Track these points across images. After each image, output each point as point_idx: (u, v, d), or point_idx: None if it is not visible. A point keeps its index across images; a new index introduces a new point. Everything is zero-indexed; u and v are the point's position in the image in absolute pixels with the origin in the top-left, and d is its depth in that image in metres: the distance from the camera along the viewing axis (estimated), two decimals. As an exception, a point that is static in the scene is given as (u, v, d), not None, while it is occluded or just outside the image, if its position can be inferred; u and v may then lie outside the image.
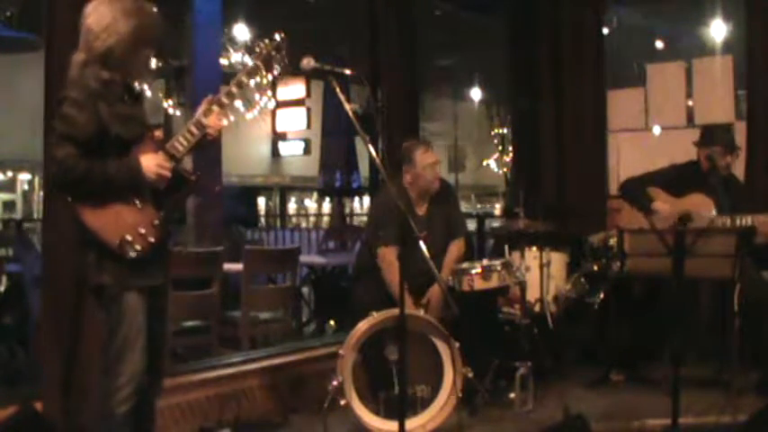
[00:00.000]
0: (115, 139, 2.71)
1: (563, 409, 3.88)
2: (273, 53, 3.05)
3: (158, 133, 2.90)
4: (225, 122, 2.97)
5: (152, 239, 2.74)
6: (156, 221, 2.77)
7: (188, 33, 7.60)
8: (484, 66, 14.72)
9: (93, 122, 2.66)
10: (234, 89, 2.96)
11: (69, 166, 2.62)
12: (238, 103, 11.53)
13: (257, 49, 3.07)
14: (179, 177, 2.84)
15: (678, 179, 4.81)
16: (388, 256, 4.23)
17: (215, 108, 2.91)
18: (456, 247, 4.52)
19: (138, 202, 2.74)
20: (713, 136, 4.82)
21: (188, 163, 3.06)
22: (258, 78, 3.12)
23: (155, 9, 2.85)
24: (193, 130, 2.86)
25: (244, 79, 3.00)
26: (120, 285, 2.72)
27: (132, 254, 2.69)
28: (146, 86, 9.98)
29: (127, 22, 2.71)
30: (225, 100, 2.94)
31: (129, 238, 2.69)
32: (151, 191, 2.77)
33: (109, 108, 2.70)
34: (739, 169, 5.47)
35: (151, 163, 2.74)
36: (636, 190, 4.85)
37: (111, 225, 2.68)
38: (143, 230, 2.72)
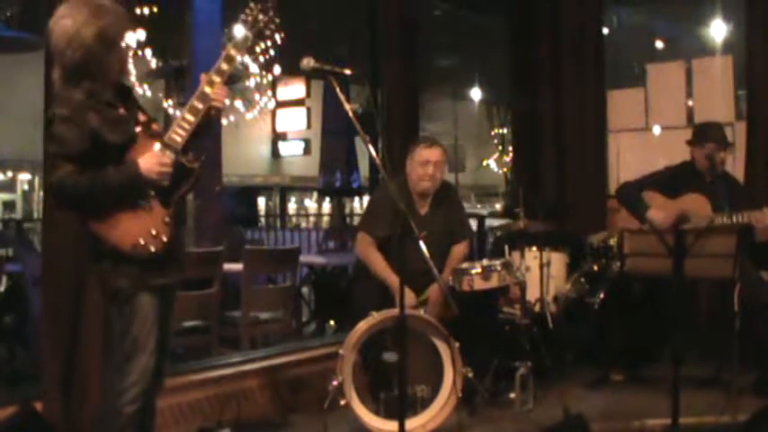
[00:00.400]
0: (110, 144, 2.68)
1: (563, 409, 3.88)
2: (261, 16, 2.98)
3: (155, 126, 2.83)
4: (226, 95, 2.89)
5: (165, 238, 2.71)
6: (167, 219, 2.74)
7: (188, 33, 7.61)
8: (484, 66, 14.74)
9: (85, 136, 2.62)
10: (224, 66, 2.88)
11: (70, 185, 2.59)
12: (238, 103, 11.53)
13: (243, 17, 2.97)
14: (181, 169, 2.78)
15: (673, 180, 4.80)
16: (362, 242, 4.30)
17: (207, 89, 2.83)
18: (458, 250, 4.49)
19: (144, 204, 2.72)
20: (707, 133, 4.82)
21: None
22: (247, 46, 3.01)
23: (112, 2, 2.76)
24: (188, 117, 2.78)
25: (233, 52, 2.90)
26: (137, 286, 2.71)
27: (147, 255, 2.68)
28: (142, 85, 9.97)
29: (90, 29, 2.64)
30: (216, 78, 2.84)
31: (141, 241, 2.67)
32: (156, 189, 2.73)
33: (98, 115, 2.66)
34: (739, 169, 5.48)
35: (151, 162, 2.69)
36: (631, 196, 4.84)
37: (123, 231, 2.66)
38: (155, 231, 2.70)
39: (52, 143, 2.65)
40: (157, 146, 2.74)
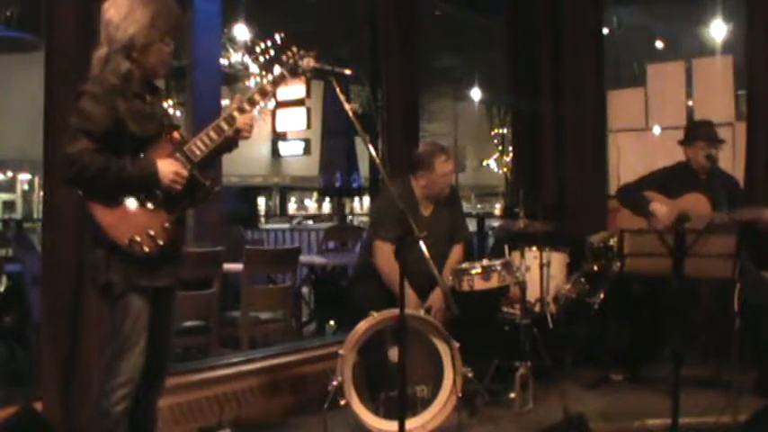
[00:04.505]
0: (130, 136, 2.70)
1: (563, 409, 3.88)
2: (300, 62, 3.03)
3: (177, 134, 2.85)
4: (253, 124, 2.94)
5: (161, 242, 2.72)
6: (167, 224, 2.75)
7: (188, 33, 7.61)
8: (484, 66, 14.75)
9: (110, 117, 2.66)
10: (257, 96, 2.92)
11: (85, 162, 2.61)
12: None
13: (284, 58, 3.04)
14: (194, 182, 2.80)
15: (670, 181, 4.83)
16: (384, 252, 4.22)
17: (236, 114, 2.89)
18: (457, 252, 4.51)
19: (150, 204, 2.73)
20: (695, 131, 4.87)
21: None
22: (283, 82, 3.07)
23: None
24: (212, 135, 2.83)
25: (268, 88, 2.97)
26: (127, 284, 2.71)
27: (140, 254, 2.68)
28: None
29: (144, 10, 2.74)
30: (246, 106, 2.90)
31: (138, 238, 2.68)
32: (165, 194, 2.75)
33: (126, 104, 2.70)
34: (739, 169, 5.48)
35: (168, 169, 2.72)
36: (632, 196, 4.86)
37: (122, 224, 2.68)
38: (152, 232, 2.71)
39: (76, 117, 2.66)
40: (176, 154, 2.77)
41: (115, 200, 2.68)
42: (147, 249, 2.69)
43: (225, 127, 2.86)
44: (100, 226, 2.67)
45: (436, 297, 4.19)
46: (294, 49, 3.05)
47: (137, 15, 2.73)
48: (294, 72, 3.02)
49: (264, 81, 3.00)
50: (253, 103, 2.92)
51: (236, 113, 2.88)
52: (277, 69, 3.04)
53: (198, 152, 2.81)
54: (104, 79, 2.70)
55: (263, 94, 2.95)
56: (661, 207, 4.66)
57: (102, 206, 2.68)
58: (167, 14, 2.81)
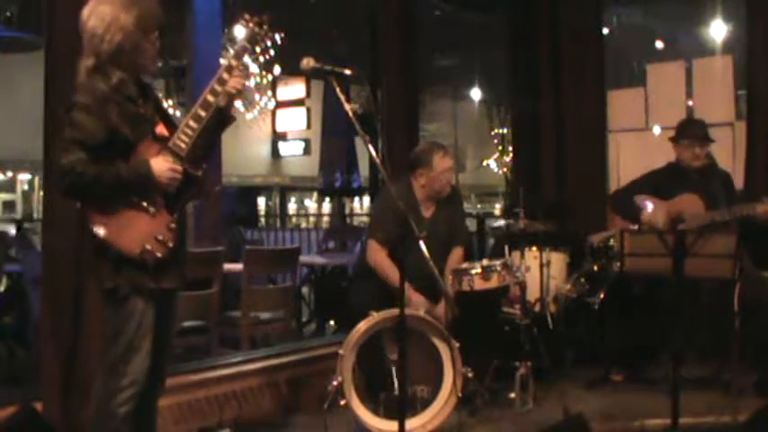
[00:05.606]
0: (124, 140, 2.68)
1: (563, 409, 3.88)
2: (257, 29, 3.00)
3: (160, 129, 2.82)
4: (240, 85, 2.92)
5: (171, 244, 2.72)
6: (173, 225, 2.75)
7: (188, 33, 7.61)
8: (484, 66, 14.72)
9: (103, 127, 2.63)
10: (225, 75, 2.88)
11: (78, 171, 2.59)
12: (238, 103, 11.53)
13: (244, 23, 3.02)
14: (187, 176, 2.79)
15: (661, 182, 4.84)
16: (374, 252, 4.23)
17: (210, 98, 2.84)
18: (457, 254, 4.48)
19: (151, 208, 2.72)
20: (682, 130, 4.89)
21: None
22: (246, 54, 3.03)
23: None
24: (192, 124, 2.79)
25: (233, 62, 2.92)
26: (133, 288, 2.70)
27: (154, 261, 2.69)
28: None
29: (128, 14, 2.68)
30: (218, 87, 2.86)
31: (149, 247, 2.68)
32: (164, 195, 2.74)
33: (119, 109, 2.68)
34: (739, 169, 5.49)
35: (163, 167, 2.70)
36: (624, 202, 4.86)
37: (130, 237, 2.67)
38: (161, 237, 2.71)
39: (69, 128, 2.64)
40: (164, 151, 2.75)
41: (117, 212, 2.66)
42: (159, 255, 2.70)
43: (202, 113, 2.81)
44: (109, 246, 2.66)
45: (440, 304, 4.17)
46: (248, 15, 3.01)
47: (121, 22, 2.67)
48: (252, 38, 2.99)
49: (229, 55, 2.95)
50: (222, 82, 2.87)
51: (210, 98, 2.84)
52: (241, 43, 3.00)
53: (183, 145, 2.77)
54: (93, 88, 2.67)
55: (229, 70, 2.90)
56: (652, 215, 4.65)
57: (106, 223, 2.66)
58: (152, 12, 2.77)
